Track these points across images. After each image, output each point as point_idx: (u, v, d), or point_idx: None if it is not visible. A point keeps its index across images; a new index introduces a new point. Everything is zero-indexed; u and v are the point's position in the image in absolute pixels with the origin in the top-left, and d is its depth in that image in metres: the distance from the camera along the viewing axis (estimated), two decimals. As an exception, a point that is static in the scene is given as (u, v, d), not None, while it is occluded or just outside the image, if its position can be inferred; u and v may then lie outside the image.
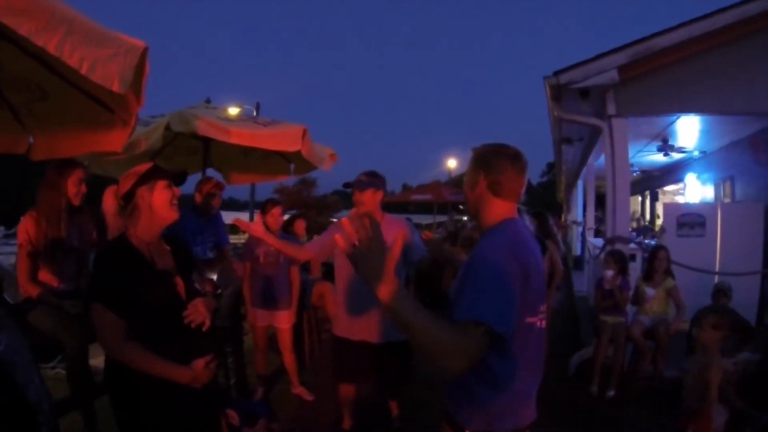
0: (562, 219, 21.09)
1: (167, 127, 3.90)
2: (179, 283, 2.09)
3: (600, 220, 13.75)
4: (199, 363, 2.00)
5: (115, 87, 1.95)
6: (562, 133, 8.32)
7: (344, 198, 34.62)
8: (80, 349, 3.09)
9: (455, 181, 28.53)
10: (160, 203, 2.04)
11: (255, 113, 16.01)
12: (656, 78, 5.63)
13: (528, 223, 4.82)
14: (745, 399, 4.03)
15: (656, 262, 4.96)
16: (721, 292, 4.58)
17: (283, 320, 4.39)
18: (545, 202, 40.99)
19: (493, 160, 1.71)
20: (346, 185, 3.30)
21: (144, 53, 2.16)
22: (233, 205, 51.40)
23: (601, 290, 4.88)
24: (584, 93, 5.67)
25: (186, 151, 5.52)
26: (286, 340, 4.44)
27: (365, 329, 3.31)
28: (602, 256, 5.57)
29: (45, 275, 3.19)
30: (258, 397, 4.39)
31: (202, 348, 2.10)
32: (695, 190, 10.96)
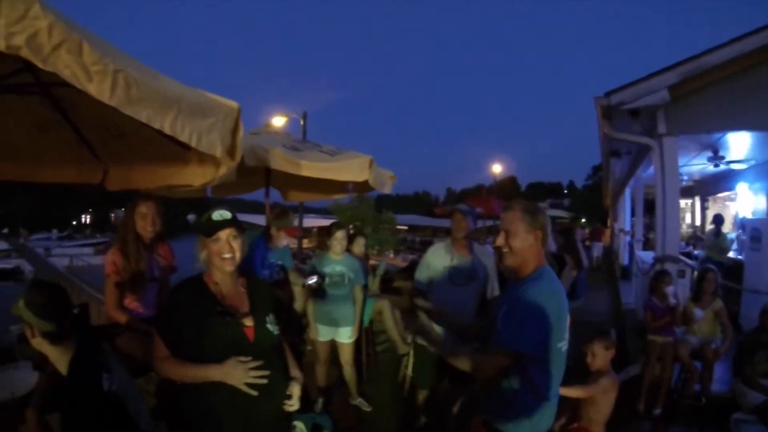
0: (609, 225, 20.73)
1: (241, 162, 4.18)
2: (247, 324, 2.20)
3: (649, 227, 13.52)
4: (231, 361, 2.08)
5: (218, 153, 2.18)
6: (611, 147, 8.35)
7: (395, 210, 34.15)
8: None
9: (500, 186, 28.33)
10: (213, 254, 2.18)
11: (302, 122, 16.50)
12: (706, 95, 5.64)
13: (551, 241, 5.19)
14: None
15: (705, 284, 4.93)
16: (766, 313, 4.52)
17: (346, 336, 4.62)
18: (590, 205, 40.13)
19: (541, 218, 2.18)
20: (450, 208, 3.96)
21: (238, 114, 2.37)
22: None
23: (652, 311, 4.89)
24: (634, 112, 5.73)
25: (247, 172, 5.82)
26: (347, 355, 4.67)
27: None
28: (651, 273, 5.60)
29: (130, 303, 3.34)
30: (318, 408, 4.63)
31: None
32: (747, 200, 10.73)
